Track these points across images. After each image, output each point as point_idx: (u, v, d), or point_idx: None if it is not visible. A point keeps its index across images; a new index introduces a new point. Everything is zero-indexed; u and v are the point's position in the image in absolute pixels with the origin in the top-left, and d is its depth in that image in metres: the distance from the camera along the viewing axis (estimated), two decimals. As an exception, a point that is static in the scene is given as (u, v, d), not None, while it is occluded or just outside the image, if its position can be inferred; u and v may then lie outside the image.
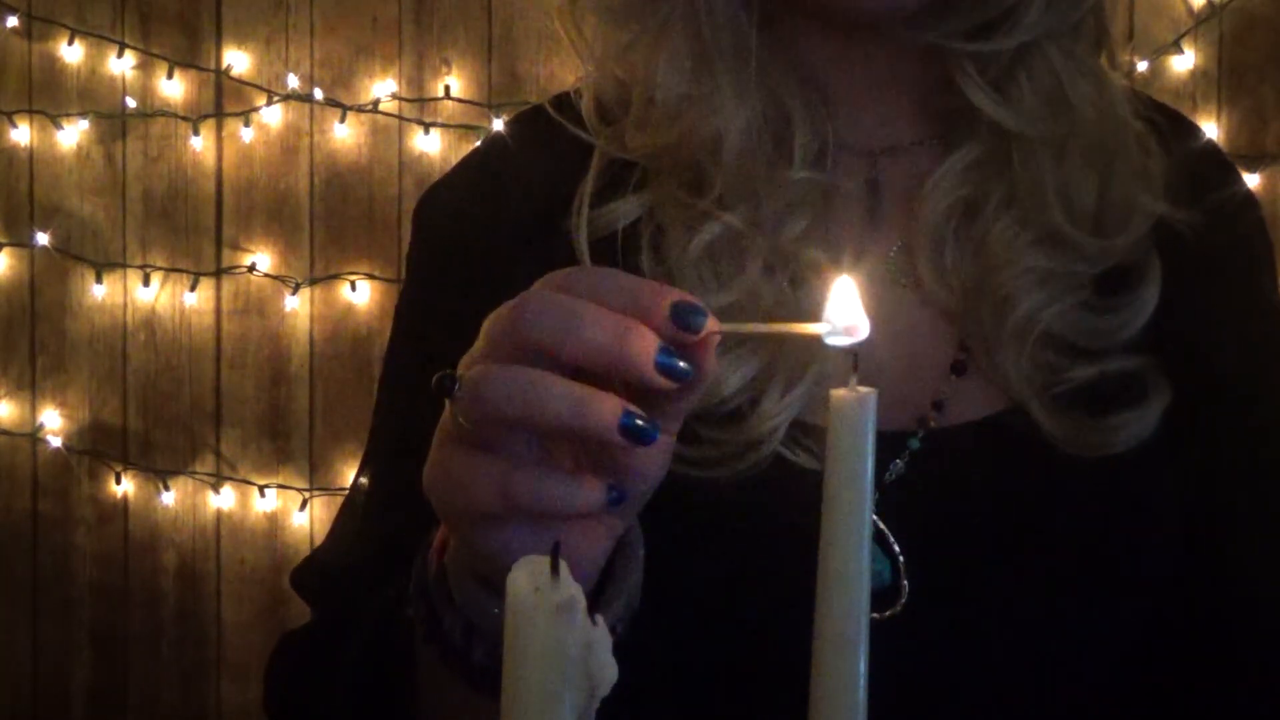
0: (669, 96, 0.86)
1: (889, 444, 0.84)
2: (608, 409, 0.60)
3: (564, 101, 0.92)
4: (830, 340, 0.60)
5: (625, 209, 0.87)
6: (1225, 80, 2.52)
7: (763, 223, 0.85)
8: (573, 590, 0.53)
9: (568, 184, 0.88)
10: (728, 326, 0.63)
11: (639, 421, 0.60)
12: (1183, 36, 2.51)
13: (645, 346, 0.60)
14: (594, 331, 0.60)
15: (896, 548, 0.82)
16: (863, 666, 0.51)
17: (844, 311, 0.60)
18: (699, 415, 0.83)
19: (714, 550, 0.83)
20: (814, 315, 0.84)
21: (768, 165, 0.85)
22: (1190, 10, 2.52)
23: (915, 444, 0.85)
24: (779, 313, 0.85)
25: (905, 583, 0.82)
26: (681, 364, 0.61)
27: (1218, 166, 0.95)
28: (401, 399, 0.90)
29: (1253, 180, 2.46)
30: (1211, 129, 2.48)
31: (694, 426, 0.83)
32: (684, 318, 0.61)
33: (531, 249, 0.88)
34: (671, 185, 0.87)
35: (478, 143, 1.05)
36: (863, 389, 0.52)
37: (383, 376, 0.94)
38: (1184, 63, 2.51)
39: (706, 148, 0.85)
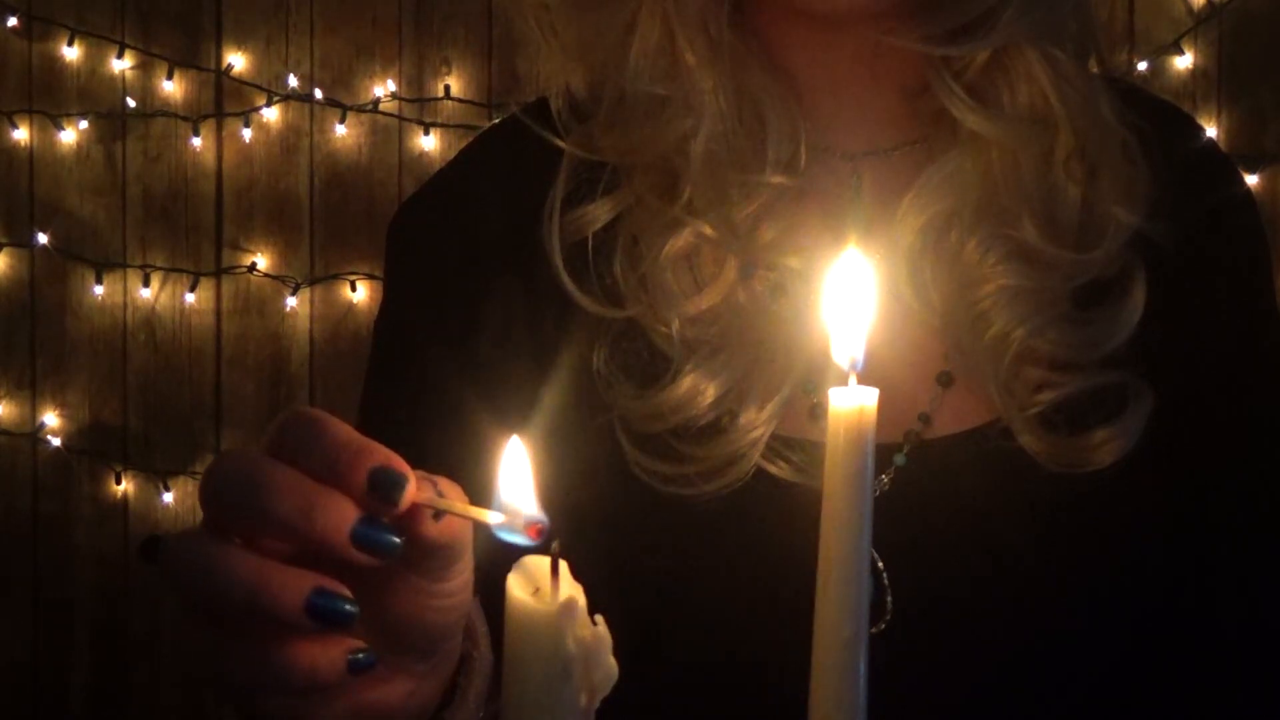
0: (638, 92, 0.85)
1: (875, 458, 0.83)
2: (292, 590, 0.54)
3: (542, 106, 0.90)
4: (504, 537, 0.54)
5: (596, 212, 0.86)
6: (1225, 80, 2.52)
7: (736, 227, 0.84)
8: (572, 590, 0.53)
9: (540, 191, 0.87)
10: (429, 500, 0.55)
11: (334, 604, 0.54)
12: (1183, 36, 2.51)
13: (337, 520, 0.54)
14: (278, 505, 0.54)
15: (880, 564, 0.82)
16: (863, 667, 0.51)
17: (524, 503, 0.54)
18: (677, 431, 0.82)
19: (704, 566, 0.82)
20: (795, 322, 0.84)
21: (740, 167, 0.84)
22: (1190, 10, 2.52)
23: (901, 460, 0.84)
24: (758, 319, 0.84)
25: (890, 599, 0.82)
26: (386, 537, 0.54)
27: (1215, 167, 0.94)
28: (381, 420, 0.88)
29: (1252, 180, 2.46)
30: (1211, 129, 2.48)
31: (672, 443, 0.82)
32: (381, 489, 0.54)
33: (507, 260, 0.87)
34: (642, 187, 0.85)
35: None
36: (862, 388, 0.52)
37: (363, 397, 0.91)
38: (1184, 63, 2.51)
39: (676, 147, 0.84)
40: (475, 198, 0.90)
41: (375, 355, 0.92)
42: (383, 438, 0.56)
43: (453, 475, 0.58)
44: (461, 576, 0.59)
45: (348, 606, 0.54)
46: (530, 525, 0.54)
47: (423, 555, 0.57)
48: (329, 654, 0.56)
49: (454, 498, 0.57)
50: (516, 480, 0.54)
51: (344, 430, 0.56)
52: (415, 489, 0.55)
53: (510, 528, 0.54)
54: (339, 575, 0.55)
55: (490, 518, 0.54)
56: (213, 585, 0.54)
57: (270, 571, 0.54)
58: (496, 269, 0.87)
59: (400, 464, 0.55)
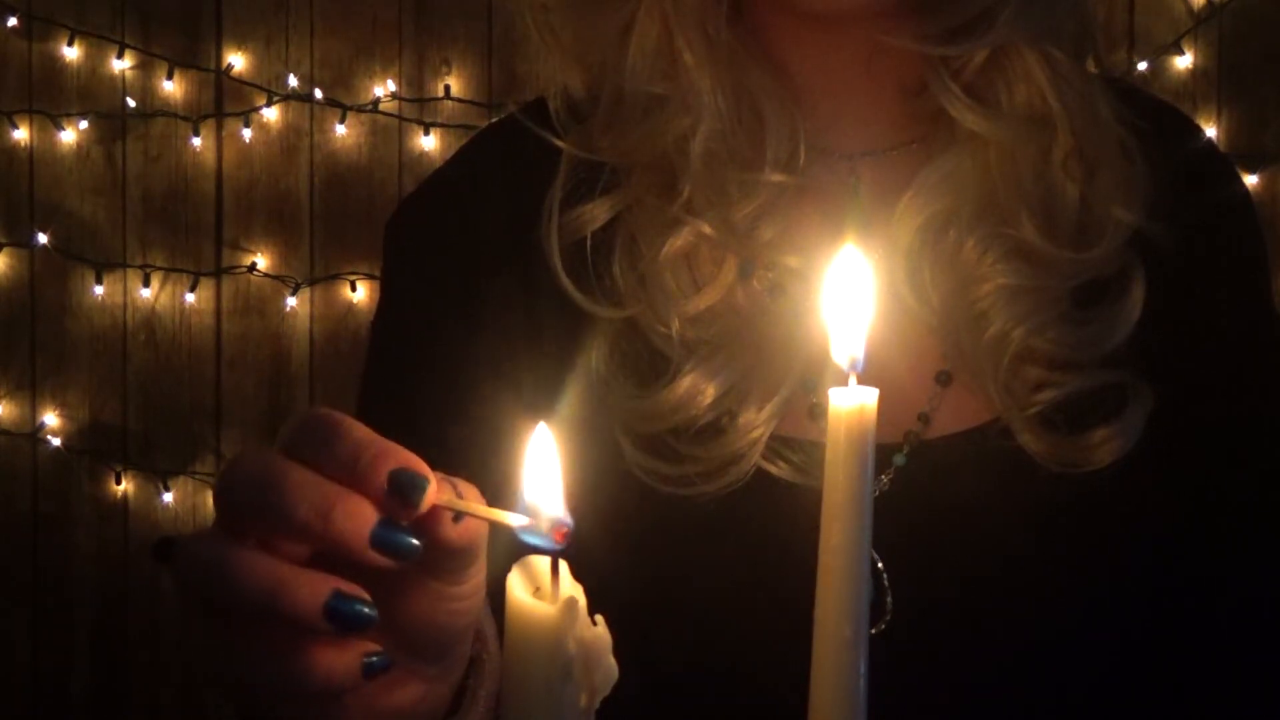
0: (636, 92, 0.85)
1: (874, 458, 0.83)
2: (311, 593, 0.53)
3: (540, 105, 0.90)
4: (528, 539, 0.53)
5: (595, 212, 0.86)
6: (1225, 80, 2.52)
7: (736, 226, 0.83)
8: (573, 590, 0.53)
9: (539, 190, 0.86)
10: (449, 502, 0.55)
11: (354, 607, 0.54)
12: (1183, 36, 2.51)
13: (356, 522, 0.53)
14: (297, 506, 0.53)
15: (880, 564, 0.82)
16: (863, 667, 0.51)
17: (550, 504, 0.53)
18: (676, 431, 0.82)
19: (704, 566, 0.82)
20: (794, 321, 0.84)
21: (739, 166, 0.84)
22: (1190, 10, 2.52)
23: (900, 460, 0.84)
24: (757, 318, 0.84)
25: (889, 600, 0.82)
26: (405, 540, 0.54)
27: (1214, 167, 0.94)
28: (378, 419, 0.86)
29: (1252, 180, 2.46)
30: (1211, 129, 2.48)
31: (672, 443, 0.82)
32: (402, 491, 0.54)
33: (506, 259, 0.87)
34: (641, 187, 0.85)
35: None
36: (862, 388, 0.52)
37: (360, 396, 0.91)
38: (1184, 63, 2.51)
39: (675, 146, 0.84)
40: (474, 197, 0.90)
41: (372, 354, 0.92)
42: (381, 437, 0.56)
43: (453, 471, 0.58)
44: (475, 579, 0.59)
45: (367, 610, 0.54)
46: (556, 528, 0.53)
47: (440, 558, 0.56)
48: (344, 657, 0.55)
49: (472, 499, 0.56)
50: (540, 477, 0.53)
51: (362, 431, 0.55)
52: (436, 491, 0.54)
53: (534, 530, 0.53)
54: (352, 577, 0.55)
55: (513, 520, 0.53)
56: (229, 587, 0.54)
57: (288, 574, 0.54)
58: (495, 268, 0.87)
59: (421, 465, 0.54)
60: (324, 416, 0.55)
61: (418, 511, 0.54)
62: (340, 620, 0.54)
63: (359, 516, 0.53)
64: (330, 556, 0.55)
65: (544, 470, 0.53)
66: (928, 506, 0.83)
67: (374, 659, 0.56)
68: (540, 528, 0.53)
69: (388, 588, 0.57)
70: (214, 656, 0.57)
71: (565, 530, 0.53)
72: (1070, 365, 0.84)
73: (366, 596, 0.54)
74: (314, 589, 0.53)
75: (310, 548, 0.56)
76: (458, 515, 0.56)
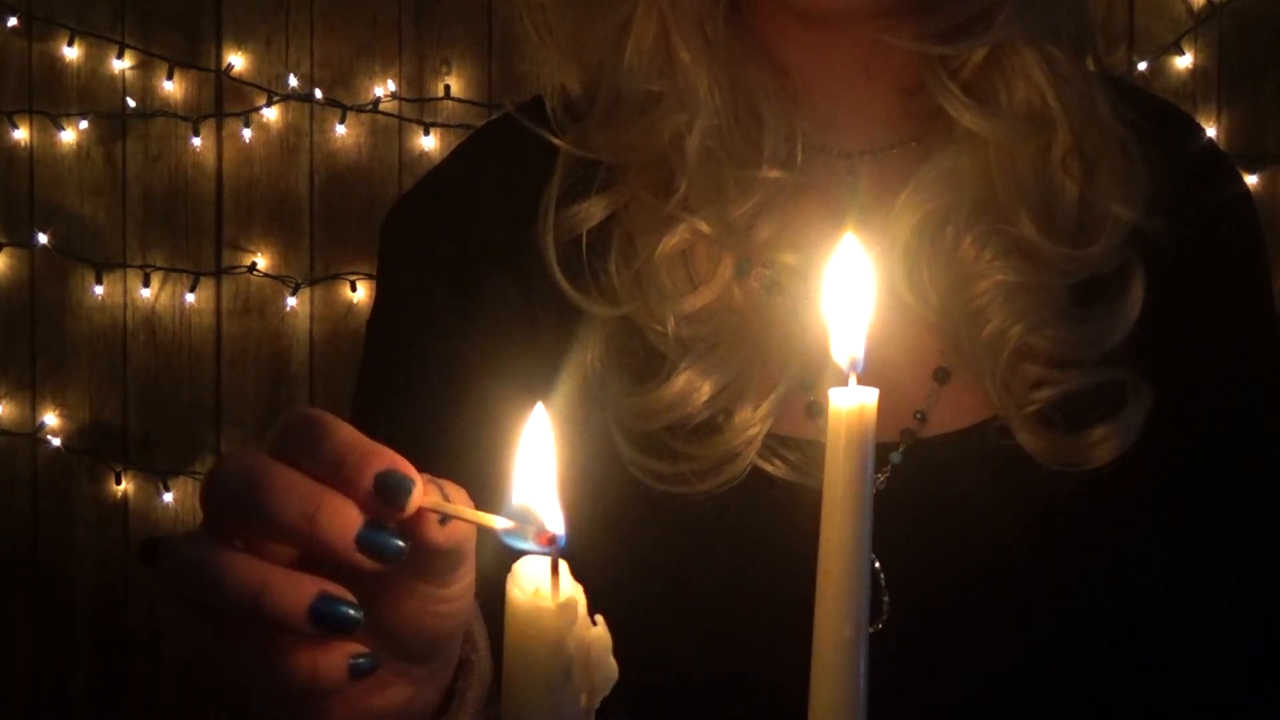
0: (633, 90, 0.85)
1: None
2: (296, 595, 0.53)
3: (537, 104, 0.90)
4: (513, 543, 0.53)
5: (591, 210, 0.85)
6: (1225, 80, 2.52)
7: (733, 224, 0.83)
8: (572, 590, 0.52)
9: (535, 189, 0.86)
10: (435, 504, 0.54)
11: (339, 610, 0.53)
12: (1183, 36, 2.50)
13: (341, 524, 0.53)
14: (282, 507, 0.53)
15: (877, 564, 0.81)
16: (863, 667, 0.51)
17: (540, 511, 0.53)
18: (672, 429, 0.82)
19: (700, 564, 0.82)
20: (792, 319, 0.84)
21: (736, 163, 0.84)
22: (1190, 10, 2.52)
23: (897, 458, 0.84)
24: (753, 316, 0.84)
25: (887, 599, 0.81)
26: (391, 542, 0.54)
27: (1214, 166, 0.94)
28: (375, 418, 0.86)
29: (1252, 180, 2.46)
30: (1211, 129, 2.48)
31: (668, 441, 0.81)
32: (388, 493, 0.53)
33: (502, 258, 0.87)
34: (638, 185, 0.85)
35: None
36: (862, 388, 0.52)
37: (356, 395, 0.91)
38: (1184, 63, 2.51)
39: (672, 144, 0.84)
40: (470, 195, 0.90)
41: (368, 351, 0.92)
42: (377, 436, 0.56)
43: (449, 469, 0.58)
44: (464, 581, 0.59)
45: (352, 612, 0.54)
46: (541, 533, 0.52)
47: (427, 560, 0.56)
48: (330, 658, 0.55)
49: (459, 502, 0.56)
50: (531, 479, 0.53)
51: (349, 432, 0.55)
52: (422, 493, 0.54)
53: (520, 534, 0.53)
54: (339, 578, 0.55)
55: (498, 523, 0.53)
56: (214, 590, 0.54)
57: (273, 576, 0.54)
58: (491, 266, 0.87)
59: (407, 467, 0.54)
60: (310, 417, 0.55)
61: (404, 514, 0.54)
62: (325, 622, 0.53)
63: (344, 518, 0.53)
64: (317, 558, 0.55)
65: (535, 471, 0.53)
66: (925, 505, 0.83)
67: (360, 660, 0.56)
68: (525, 532, 0.53)
69: (375, 589, 0.57)
70: (202, 655, 0.57)
71: (550, 536, 0.52)
72: (1069, 363, 0.83)
73: (352, 598, 0.54)
74: (299, 591, 0.53)
75: (297, 549, 0.56)
76: (444, 517, 0.55)
